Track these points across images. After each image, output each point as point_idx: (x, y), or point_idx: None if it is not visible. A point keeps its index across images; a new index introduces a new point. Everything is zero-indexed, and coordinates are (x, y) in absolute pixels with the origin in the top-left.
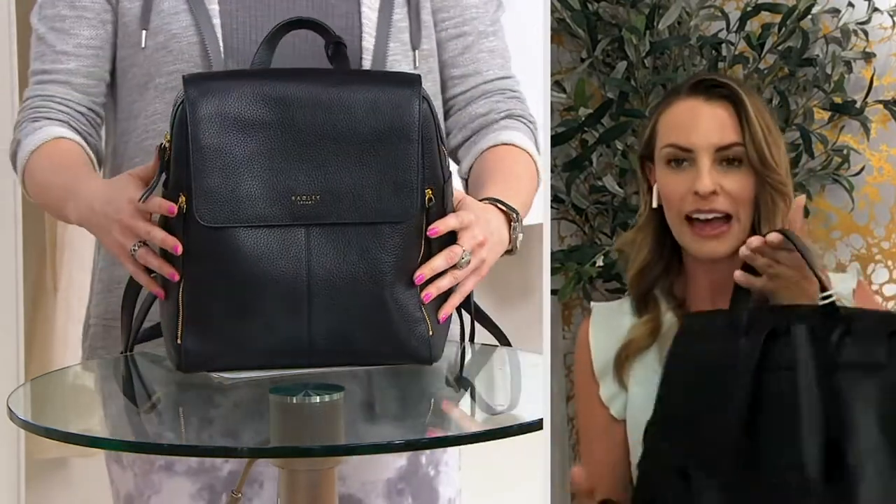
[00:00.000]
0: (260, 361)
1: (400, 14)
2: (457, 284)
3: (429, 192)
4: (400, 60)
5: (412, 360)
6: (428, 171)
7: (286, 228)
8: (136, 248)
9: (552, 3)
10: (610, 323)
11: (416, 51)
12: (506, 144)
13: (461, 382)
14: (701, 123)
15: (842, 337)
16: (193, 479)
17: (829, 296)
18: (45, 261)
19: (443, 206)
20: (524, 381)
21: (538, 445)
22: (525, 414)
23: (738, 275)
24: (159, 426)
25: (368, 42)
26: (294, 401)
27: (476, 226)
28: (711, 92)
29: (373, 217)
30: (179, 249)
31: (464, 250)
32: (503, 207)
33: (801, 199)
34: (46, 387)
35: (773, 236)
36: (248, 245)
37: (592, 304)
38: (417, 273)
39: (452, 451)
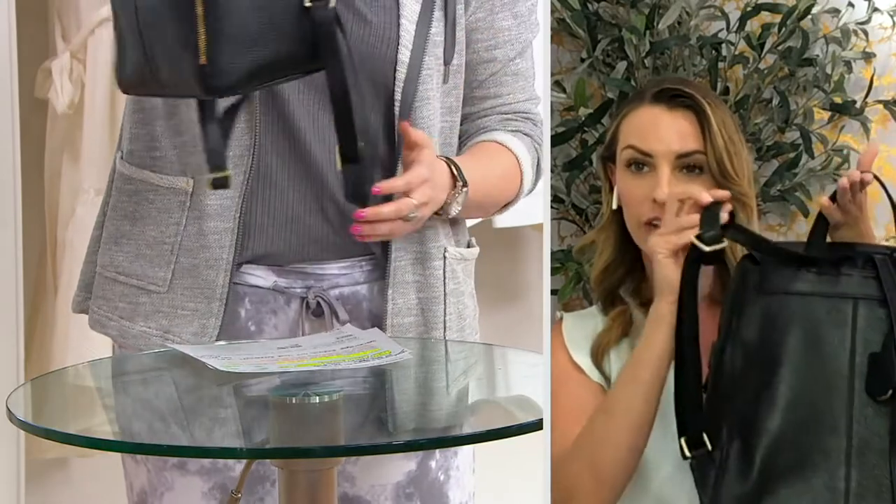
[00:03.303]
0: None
1: (437, 28)
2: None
3: None
4: (433, 75)
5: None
6: None
7: None
8: None
9: (552, 3)
10: (584, 323)
11: (448, 66)
12: (499, 144)
13: (461, 382)
14: (662, 131)
15: None
16: (205, 477)
17: None
18: (45, 261)
19: None
20: (524, 381)
21: (538, 445)
22: (525, 414)
23: (825, 202)
24: (159, 426)
25: (404, 55)
26: (294, 401)
27: (428, 185)
28: (674, 101)
29: None
30: None
31: (415, 205)
32: (454, 171)
33: (875, 147)
34: (46, 387)
35: (867, 176)
36: None
37: (561, 313)
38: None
39: (465, 455)
